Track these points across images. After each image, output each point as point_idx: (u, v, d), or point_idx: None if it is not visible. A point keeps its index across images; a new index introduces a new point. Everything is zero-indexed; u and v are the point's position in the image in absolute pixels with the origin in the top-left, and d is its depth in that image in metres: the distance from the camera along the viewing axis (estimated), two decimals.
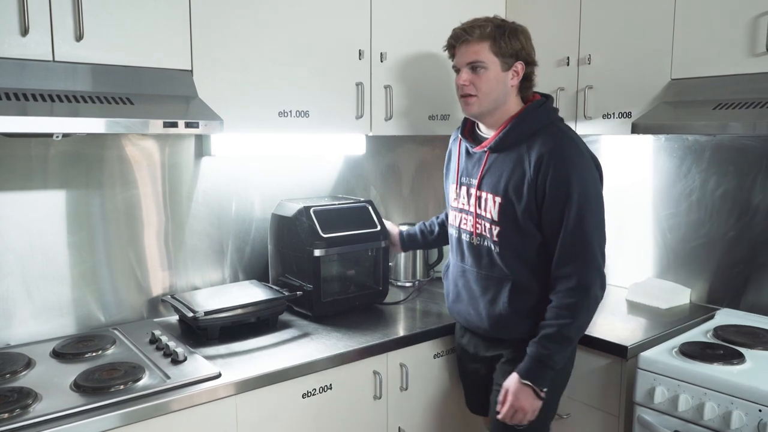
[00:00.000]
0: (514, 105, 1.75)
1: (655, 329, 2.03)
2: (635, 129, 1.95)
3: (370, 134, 2.19)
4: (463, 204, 1.84)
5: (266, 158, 2.32)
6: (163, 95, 1.67)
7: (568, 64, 2.22)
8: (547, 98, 1.79)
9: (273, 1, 1.90)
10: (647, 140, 2.40)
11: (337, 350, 1.81)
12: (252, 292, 2.08)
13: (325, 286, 2.09)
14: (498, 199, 1.72)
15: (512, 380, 1.69)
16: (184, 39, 1.74)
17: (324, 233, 2.05)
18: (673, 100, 1.94)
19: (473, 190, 1.79)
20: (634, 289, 2.36)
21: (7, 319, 1.84)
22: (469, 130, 1.88)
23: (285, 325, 2.03)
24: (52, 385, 1.55)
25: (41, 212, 1.88)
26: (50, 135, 1.47)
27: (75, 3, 1.55)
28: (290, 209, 2.14)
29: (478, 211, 1.78)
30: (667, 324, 2.08)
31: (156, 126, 1.50)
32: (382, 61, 2.15)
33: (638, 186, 2.44)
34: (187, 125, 1.51)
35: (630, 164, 2.46)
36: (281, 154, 2.32)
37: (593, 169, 1.68)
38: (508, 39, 1.68)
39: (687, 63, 1.92)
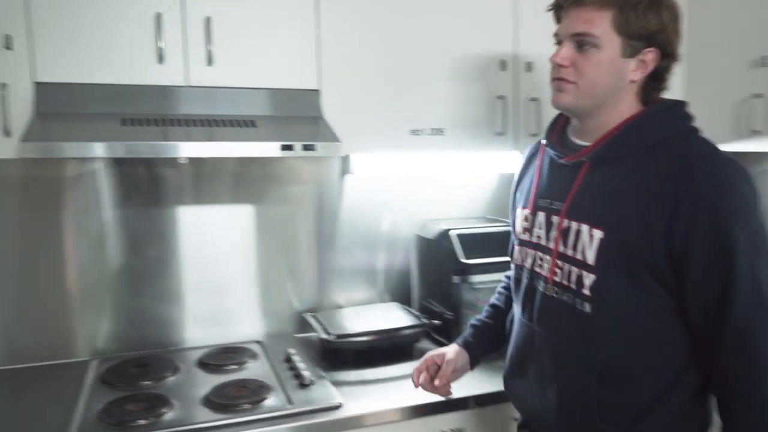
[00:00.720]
0: (629, 107, 1.22)
1: None
2: None
3: (514, 152, 2.01)
4: (539, 237, 1.31)
5: (413, 177, 2.24)
6: (289, 116, 1.68)
7: (766, 65, 1.82)
8: (677, 103, 1.25)
9: (405, 12, 1.83)
10: None
11: (473, 390, 1.65)
12: (391, 316, 2.01)
13: (466, 315, 1.94)
14: (598, 233, 1.17)
15: None
16: (311, 59, 1.74)
17: (465, 258, 1.92)
18: None
19: (556, 218, 1.26)
20: None
21: (171, 324, 2.00)
22: (558, 134, 1.36)
23: (422, 354, 1.91)
24: (187, 395, 1.63)
25: (201, 226, 2.00)
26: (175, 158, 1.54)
27: (206, 28, 1.61)
28: (432, 231, 2.04)
29: (561, 249, 1.24)
30: None
31: (273, 149, 1.51)
32: (527, 72, 1.96)
33: None
34: (305, 148, 1.49)
35: None
36: (426, 172, 2.23)
37: (757, 200, 1.15)
38: (642, 12, 1.14)
39: None
